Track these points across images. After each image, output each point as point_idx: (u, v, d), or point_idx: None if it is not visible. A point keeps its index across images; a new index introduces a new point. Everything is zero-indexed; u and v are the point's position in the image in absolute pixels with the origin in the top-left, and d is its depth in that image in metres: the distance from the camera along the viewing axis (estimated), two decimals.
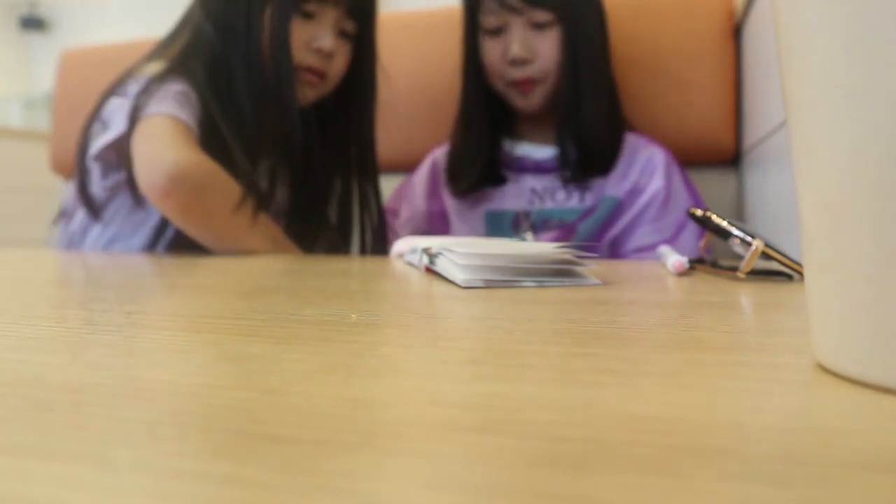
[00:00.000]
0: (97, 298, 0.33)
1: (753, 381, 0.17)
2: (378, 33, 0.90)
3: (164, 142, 0.70)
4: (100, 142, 0.79)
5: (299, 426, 0.14)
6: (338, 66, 0.84)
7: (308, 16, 0.80)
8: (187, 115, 0.74)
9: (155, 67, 0.80)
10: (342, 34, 0.83)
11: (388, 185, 1.06)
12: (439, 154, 0.97)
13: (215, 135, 0.75)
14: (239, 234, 0.72)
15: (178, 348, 0.21)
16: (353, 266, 0.55)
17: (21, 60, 4.13)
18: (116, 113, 0.78)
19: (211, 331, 0.24)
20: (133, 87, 0.78)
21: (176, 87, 0.75)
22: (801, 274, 0.41)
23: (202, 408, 0.15)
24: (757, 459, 0.12)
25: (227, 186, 0.71)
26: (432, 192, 0.96)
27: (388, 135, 1.09)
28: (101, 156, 0.79)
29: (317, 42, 0.80)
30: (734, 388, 0.16)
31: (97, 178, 0.81)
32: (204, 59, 0.79)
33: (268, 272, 0.48)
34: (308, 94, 0.83)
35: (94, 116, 0.82)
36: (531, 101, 0.86)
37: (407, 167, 1.05)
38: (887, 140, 0.15)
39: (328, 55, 0.81)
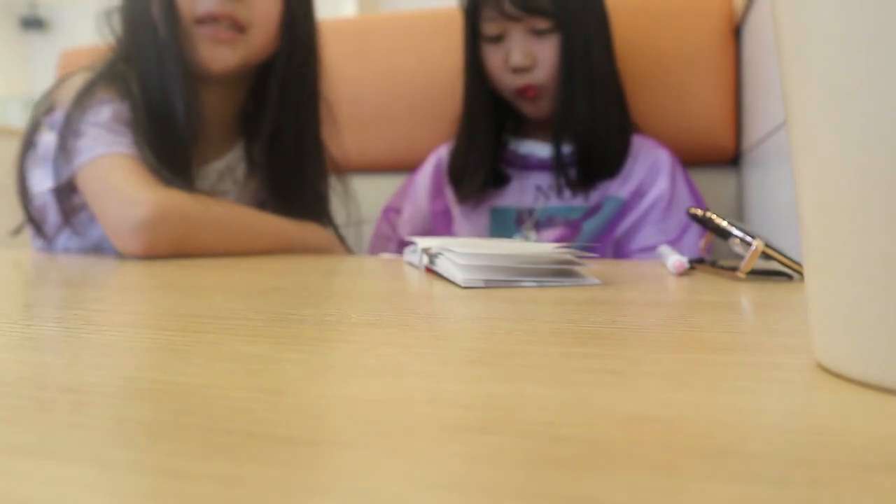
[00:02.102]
0: (97, 298, 0.33)
1: (753, 381, 0.17)
2: (376, 31, 0.80)
3: (124, 190, 0.61)
4: (40, 186, 0.71)
5: (299, 426, 0.14)
6: (263, 8, 0.67)
7: None
8: (127, 144, 0.64)
9: (77, 81, 0.70)
10: None
11: (390, 184, 1.06)
12: (443, 152, 0.97)
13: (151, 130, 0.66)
14: (256, 241, 0.67)
15: (177, 348, 0.21)
16: (353, 266, 0.55)
17: (21, 60, 4.13)
18: (49, 152, 0.68)
19: (211, 331, 0.24)
20: (59, 116, 0.68)
21: (104, 112, 0.66)
22: (801, 274, 0.41)
23: (202, 408, 0.15)
24: (757, 459, 0.12)
25: (212, 210, 0.64)
26: (436, 191, 0.96)
27: (389, 134, 1.09)
28: (44, 199, 0.71)
29: None
30: (734, 388, 0.16)
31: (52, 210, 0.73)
32: (122, 52, 0.70)
33: (268, 272, 0.48)
34: (225, 54, 0.66)
35: (27, 143, 0.72)
36: (540, 108, 0.86)
37: (408, 166, 1.05)
38: (887, 140, 0.15)
39: None
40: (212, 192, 0.72)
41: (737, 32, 0.99)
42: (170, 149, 0.66)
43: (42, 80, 3.94)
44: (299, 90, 0.74)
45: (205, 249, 0.64)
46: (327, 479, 0.11)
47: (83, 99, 0.67)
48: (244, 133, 0.76)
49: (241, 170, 0.77)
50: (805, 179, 0.17)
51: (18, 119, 3.72)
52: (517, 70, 0.83)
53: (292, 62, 0.71)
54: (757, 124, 0.86)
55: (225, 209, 0.67)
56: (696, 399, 0.15)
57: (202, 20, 0.65)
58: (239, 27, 0.66)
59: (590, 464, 0.12)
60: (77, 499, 0.10)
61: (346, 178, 0.86)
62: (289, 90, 0.73)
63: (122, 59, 0.69)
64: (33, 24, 4.02)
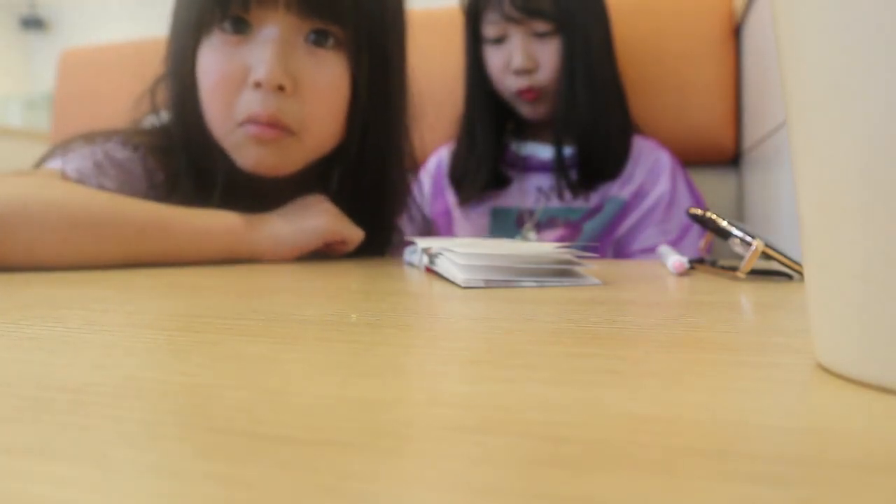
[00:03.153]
0: (97, 298, 0.33)
1: (753, 381, 0.17)
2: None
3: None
4: None
5: (299, 426, 0.14)
6: (320, 100, 0.56)
7: (240, 28, 0.54)
8: (86, 177, 0.56)
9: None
10: (321, 42, 0.55)
11: None
12: (443, 153, 0.97)
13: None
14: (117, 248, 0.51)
15: (178, 348, 0.21)
16: (354, 266, 0.55)
17: (21, 60, 4.12)
18: None
19: (211, 331, 0.24)
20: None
21: (106, 153, 0.58)
22: (801, 274, 0.41)
23: (202, 408, 0.15)
24: (757, 459, 0.12)
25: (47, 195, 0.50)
26: (437, 191, 0.96)
27: None
28: None
29: (252, 71, 0.53)
30: (734, 388, 0.16)
31: None
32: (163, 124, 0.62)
33: (268, 272, 0.48)
34: (270, 158, 0.56)
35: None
36: (538, 111, 0.86)
37: (407, 167, 1.05)
38: (887, 140, 0.15)
39: (278, 90, 0.53)
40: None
41: (737, 32, 0.99)
42: (223, 201, 0.58)
43: (42, 80, 3.94)
44: (375, 169, 0.63)
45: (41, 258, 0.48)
46: (327, 479, 0.11)
47: (97, 135, 0.61)
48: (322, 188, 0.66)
49: None
50: (805, 179, 0.17)
51: (18, 119, 3.71)
52: (519, 72, 0.83)
53: (365, 149, 0.60)
54: (757, 124, 0.86)
55: (74, 194, 0.50)
56: (696, 399, 0.15)
57: (244, 125, 0.55)
58: (284, 130, 0.55)
59: (590, 464, 0.12)
60: (77, 499, 0.10)
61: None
62: (361, 174, 0.63)
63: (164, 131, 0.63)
64: (33, 24, 4.02)
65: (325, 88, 0.55)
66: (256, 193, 0.61)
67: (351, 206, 0.64)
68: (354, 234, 0.62)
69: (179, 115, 0.60)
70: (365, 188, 0.65)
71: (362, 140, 0.60)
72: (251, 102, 0.54)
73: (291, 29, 0.53)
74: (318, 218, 0.59)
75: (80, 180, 0.56)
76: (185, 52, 0.56)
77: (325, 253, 0.63)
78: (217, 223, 0.55)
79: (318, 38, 0.55)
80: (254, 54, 0.53)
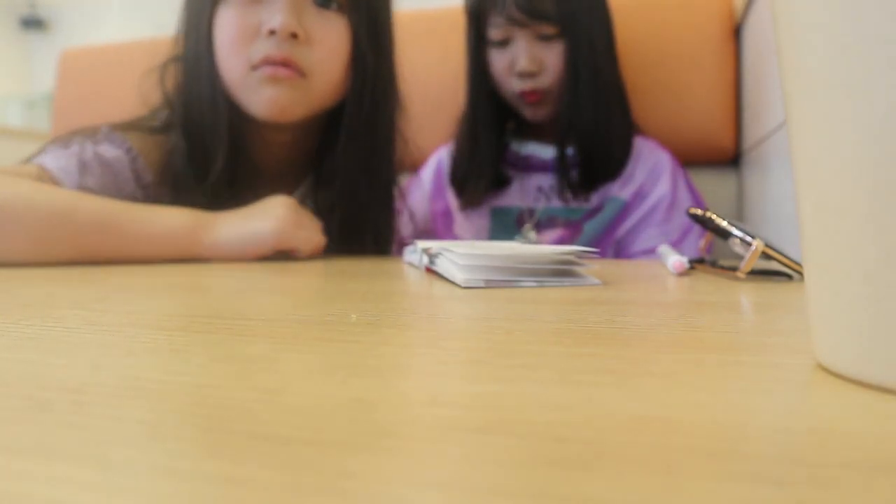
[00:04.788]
0: (97, 298, 0.33)
1: (753, 381, 0.17)
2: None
3: None
4: None
5: (299, 426, 0.14)
6: (328, 51, 0.62)
7: None
8: (67, 174, 0.59)
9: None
10: (325, 3, 0.62)
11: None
12: (444, 153, 0.97)
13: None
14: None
15: (178, 348, 0.21)
16: (353, 266, 0.55)
17: (21, 60, 4.12)
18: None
19: (211, 331, 0.24)
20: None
21: (96, 152, 0.61)
22: (801, 274, 0.41)
23: (202, 408, 0.15)
24: (757, 459, 0.12)
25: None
26: (437, 192, 0.96)
27: None
28: None
29: (266, 23, 0.59)
30: (734, 388, 0.16)
31: None
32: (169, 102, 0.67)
33: (268, 272, 0.48)
34: (285, 96, 0.61)
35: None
36: (540, 113, 0.87)
37: (408, 166, 1.05)
38: (887, 140, 0.15)
39: (291, 37, 0.59)
40: None
41: (737, 32, 0.99)
42: (215, 191, 0.63)
43: (42, 80, 3.94)
44: (371, 137, 0.68)
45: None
46: (327, 479, 0.11)
47: (94, 131, 0.64)
48: (313, 173, 0.71)
49: (308, 204, 0.71)
50: (805, 179, 0.17)
51: (18, 119, 3.71)
52: (523, 75, 0.83)
53: (362, 109, 0.65)
54: (757, 124, 0.86)
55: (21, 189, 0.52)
56: (695, 399, 0.15)
57: (259, 66, 0.60)
58: (298, 70, 0.60)
59: (590, 464, 0.12)
60: (77, 499, 0.10)
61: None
62: (358, 139, 0.67)
63: (167, 108, 0.67)
64: (33, 24, 4.02)
65: (331, 41, 0.62)
66: (252, 175, 0.65)
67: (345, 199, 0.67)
68: (307, 243, 0.62)
69: (193, 77, 0.63)
70: (353, 190, 0.68)
71: (361, 98, 0.64)
72: (267, 47, 0.59)
73: None
74: (269, 223, 0.59)
75: (59, 178, 0.58)
76: (202, 15, 0.61)
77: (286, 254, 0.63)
78: (170, 223, 0.57)
79: (324, 1, 0.62)
80: (268, 10, 0.59)
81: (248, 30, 0.60)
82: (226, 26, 0.61)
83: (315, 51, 0.61)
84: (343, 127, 0.65)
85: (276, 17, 0.58)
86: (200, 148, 0.64)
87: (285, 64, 0.59)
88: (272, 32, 0.59)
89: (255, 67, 0.60)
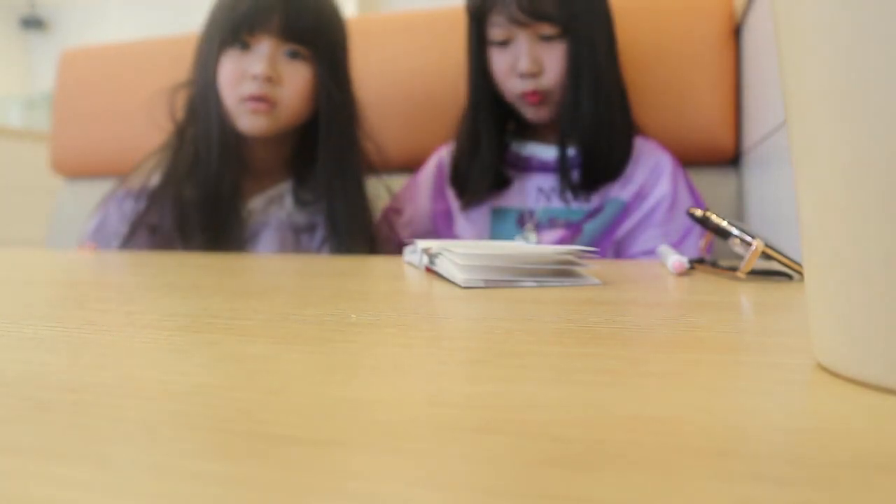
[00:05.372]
0: (97, 298, 0.33)
1: (753, 381, 0.17)
2: (376, 31, 0.86)
3: None
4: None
5: (299, 426, 0.14)
6: (293, 89, 0.87)
7: (245, 46, 0.86)
8: (91, 239, 0.93)
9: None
10: (293, 56, 0.87)
11: (390, 185, 1.06)
12: (444, 153, 0.97)
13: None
14: None
15: (178, 348, 0.21)
16: (353, 266, 0.55)
17: (21, 60, 4.12)
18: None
19: (211, 331, 0.24)
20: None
21: (102, 218, 0.93)
22: (801, 274, 0.41)
23: (202, 408, 0.15)
24: (757, 459, 0.12)
25: None
26: (437, 192, 0.96)
27: (389, 135, 1.09)
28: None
29: (250, 69, 0.85)
30: (734, 388, 0.16)
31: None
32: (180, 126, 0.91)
33: (268, 272, 0.48)
34: (260, 122, 0.86)
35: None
36: (541, 114, 0.86)
37: (408, 167, 1.05)
38: (887, 140, 0.15)
39: (267, 80, 0.85)
40: (262, 213, 0.91)
41: (737, 32, 0.99)
42: (216, 185, 0.87)
43: (42, 80, 3.94)
44: (339, 144, 0.91)
45: None
46: (327, 479, 0.11)
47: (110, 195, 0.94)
48: (294, 175, 0.94)
49: (288, 199, 0.93)
50: (805, 179, 0.17)
51: (18, 119, 3.71)
52: (524, 76, 0.83)
53: (331, 124, 0.90)
54: (757, 124, 0.86)
55: None
56: (696, 399, 0.15)
57: (245, 100, 0.86)
58: (269, 101, 0.86)
59: (590, 464, 0.12)
60: (77, 499, 0.10)
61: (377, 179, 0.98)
62: (329, 144, 0.90)
63: (178, 132, 0.91)
64: (33, 24, 4.02)
65: (296, 82, 0.87)
66: (244, 173, 0.91)
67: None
68: None
69: (202, 103, 0.90)
70: (329, 185, 0.90)
71: (329, 121, 0.89)
72: (251, 87, 0.86)
73: (275, 47, 0.86)
74: None
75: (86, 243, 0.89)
76: (209, 63, 0.88)
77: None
78: None
79: (293, 54, 0.87)
80: (252, 61, 0.86)
81: (239, 73, 0.86)
82: (227, 73, 0.87)
83: (284, 88, 0.87)
84: (320, 138, 0.90)
85: (257, 66, 0.84)
86: (205, 149, 0.88)
87: (263, 99, 0.85)
88: (255, 77, 0.85)
89: (242, 101, 0.86)
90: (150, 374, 0.18)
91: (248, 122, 0.87)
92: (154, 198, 0.88)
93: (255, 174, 0.93)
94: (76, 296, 0.34)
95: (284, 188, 0.94)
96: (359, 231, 0.90)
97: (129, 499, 0.10)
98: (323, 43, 0.89)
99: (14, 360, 0.19)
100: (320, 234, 0.91)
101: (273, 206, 0.92)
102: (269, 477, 0.11)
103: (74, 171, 1.28)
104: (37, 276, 0.44)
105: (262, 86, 0.85)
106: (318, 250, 0.91)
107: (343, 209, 0.90)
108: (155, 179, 0.90)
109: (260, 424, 0.14)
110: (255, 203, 0.92)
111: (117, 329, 0.24)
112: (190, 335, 0.23)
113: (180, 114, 0.92)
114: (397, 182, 1.04)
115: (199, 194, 0.86)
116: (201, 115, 0.90)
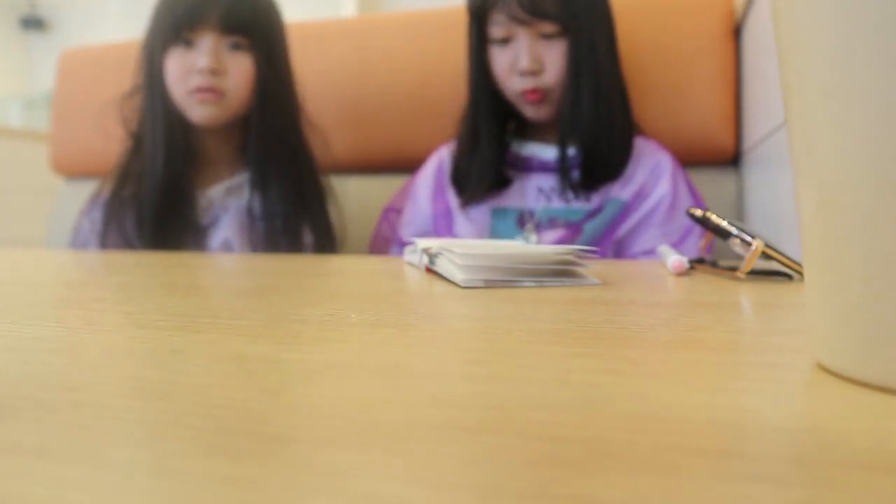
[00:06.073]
0: (97, 298, 0.33)
1: (753, 381, 0.17)
2: (376, 31, 0.87)
3: None
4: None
5: (299, 426, 0.14)
6: (238, 78, 0.92)
7: (189, 43, 0.91)
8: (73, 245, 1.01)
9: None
10: (236, 48, 0.92)
11: (391, 185, 1.06)
12: (444, 153, 0.97)
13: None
14: None
15: (177, 348, 0.21)
16: (353, 266, 0.55)
17: (21, 60, 4.12)
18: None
19: (211, 331, 0.24)
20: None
21: (80, 222, 0.99)
22: (801, 274, 0.41)
23: (202, 408, 0.15)
24: (757, 459, 0.12)
25: None
26: (437, 191, 0.96)
27: (390, 134, 1.09)
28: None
29: (196, 63, 0.90)
30: (734, 388, 0.16)
31: None
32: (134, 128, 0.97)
33: (268, 272, 0.48)
34: (211, 111, 0.92)
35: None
36: (542, 112, 0.86)
37: (408, 167, 1.05)
38: (886, 140, 0.15)
39: (213, 72, 0.90)
40: (221, 201, 0.95)
41: (737, 32, 0.99)
42: (167, 176, 0.92)
43: (42, 80, 3.94)
44: (279, 130, 0.96)
45: None
46: (327, 479, 0.11)
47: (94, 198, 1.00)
48: (247, 163, 1.00)
49: (246, 188, 0.98)
50: (805, 179, 0.17)
51: (18, 119, 3.71)
52: (525, 74, 0.83)
53: (266, 111, 0.95)
54: (757, 124, 0.86)
55: None
56: (696, 399, 0.15)
57: (193, 92, 0.91)
58: (216, 92, 0.91)
59: (590, 464, 0.12)
60: (77, 499, 0.10)
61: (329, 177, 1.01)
62: (269, 130, 0.95)
63: (133, 135, 0.97)
64: (33, 24, 4.02)
65: (239, 72, 0.92)
66: (197, 162, 0.97)
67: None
68: None
69: (149, 101, 0.95)
70: (278, 167, 0.95)
71: (264, 107, 0.94)
72: (197, 79, 0.90)
73: (217, 41, 0.91)
74: None
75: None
76: (154, 61, 0.93)
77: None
78: None
79: (234, 46, 0.92)
80: (197, 56, 0.90)
81: (185, 68, 0.91)
82: (173, 69, 0.92)
83: (230, 78, 0.92)
84: (252, 121, 0.95)
85: (202, 59, 0.89)
86: (151, 142, 0.94)
87: (210, 90, 0.90)
88: (201, 70, 0.89)
89: (190, 93, 0.91)
90: (150, 374, 0.18)
91: (199, 112, 0.91)
92: (113, 201, 0.94)
93: (212, 164, 0.98)
94: (76, 296, 0.34)
95: (241, 179, 1.00)
96: (301, 219, 0.94)
97: (129, 499, 0.10)
98: (261, 33, 0.94)
99: (14, 360, 0.19)
100: (279, 222, 0.95)
101: (232, 195, 0.97)
102: (269, 477, 0.11)
103: (74, 171, 1.28)
104: (37, 276, 0.44)
105: (208, 77, 0.89)
106: (266, 237, 0.95)
107: (278, 193, 0.94)
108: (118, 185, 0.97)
109: (260, 424, 0.14)
110: (214, 192, 0.96)
111: (117, 329, 0.24)
112: (190, 335, 0.23)
113: (133, 120, 0.99)
114: (397, 182, 1.04)
115: (151, 186, 0.91)
116: (148, 114, 0.95)
